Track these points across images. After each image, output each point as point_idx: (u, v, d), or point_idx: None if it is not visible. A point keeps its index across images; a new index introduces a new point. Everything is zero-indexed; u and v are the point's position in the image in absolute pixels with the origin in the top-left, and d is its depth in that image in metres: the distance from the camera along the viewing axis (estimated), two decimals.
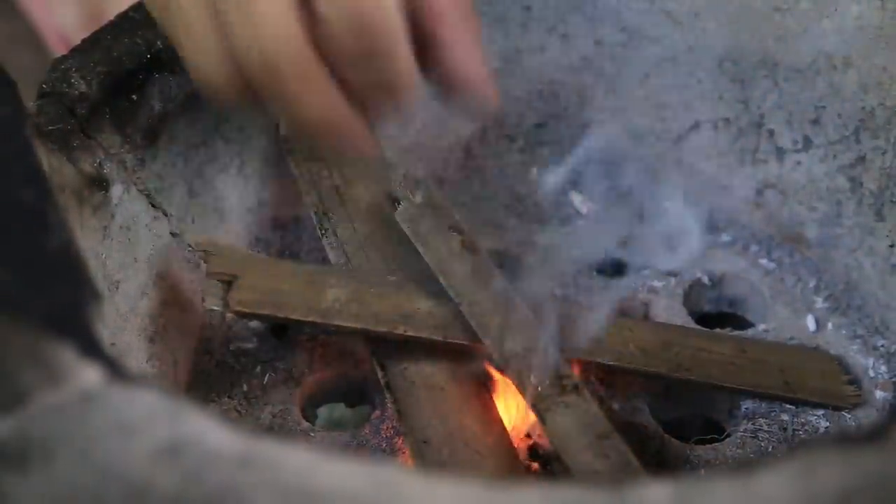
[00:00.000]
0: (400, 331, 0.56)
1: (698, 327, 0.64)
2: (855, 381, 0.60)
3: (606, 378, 0.59)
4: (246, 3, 0.45)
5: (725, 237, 0.70)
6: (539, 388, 0.53)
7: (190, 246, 0.58)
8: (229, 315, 0.59)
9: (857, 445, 0.33)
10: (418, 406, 0.55)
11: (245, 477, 0.32)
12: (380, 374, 0.56)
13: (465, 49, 0.49)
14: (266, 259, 0.59)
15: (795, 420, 0.58)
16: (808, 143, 0.65)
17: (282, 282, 0.56)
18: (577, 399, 0.53)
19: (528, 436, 0.55)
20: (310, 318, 0.55)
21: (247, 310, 0.55)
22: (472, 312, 0.56)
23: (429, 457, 0.52)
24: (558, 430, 0.52)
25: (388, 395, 0.55)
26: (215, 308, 0.55)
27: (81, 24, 1.03)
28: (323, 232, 0.61)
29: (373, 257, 0.60)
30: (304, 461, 0.32)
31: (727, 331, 0.64)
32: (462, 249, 0.57)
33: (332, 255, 0.60)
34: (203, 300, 0.55)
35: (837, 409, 0.59)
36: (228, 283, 0.55)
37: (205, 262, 0.56)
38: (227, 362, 0.60)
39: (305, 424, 0.57)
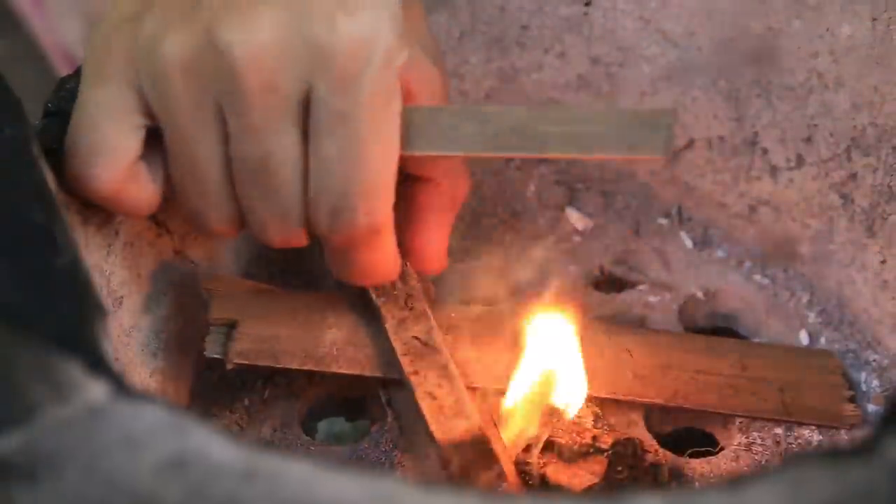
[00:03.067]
0: (394, 375, 0.57)
1: (700, 338, 0.64)
2: (854, 399, 0.60)
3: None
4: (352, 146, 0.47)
5: (720, 253, 0.70)
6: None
7: (206, 290, 0.58)
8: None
9: (845, 459, 0.34)
10: (419, 423, 0.56)
11: (248, 490, 0.33)
12: (381, 391, 0.57)
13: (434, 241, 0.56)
14: (266, 292, 0.59)
15: (789, 434, 0.59)
16: (800, 160, 0.66)
17: (280, 326, 0.57)
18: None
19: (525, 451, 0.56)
20: (307, 367, 0.57)
21: (245, 361, 0.56)
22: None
23: (429, 473, 0.53)
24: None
25: (389, 413, 0.56)
26: (216, 356, 0.56)
27: (84, 41, 1.04)
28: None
29: None
30: (305, 474, 0.33)
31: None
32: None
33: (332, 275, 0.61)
34: (205, 349, 0.56)
35: (834, 427, 0.59)
36: (230, 327, 0.56)
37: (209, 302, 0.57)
38: (228, 377, 0.61)
39: (306, 438, 0.58)
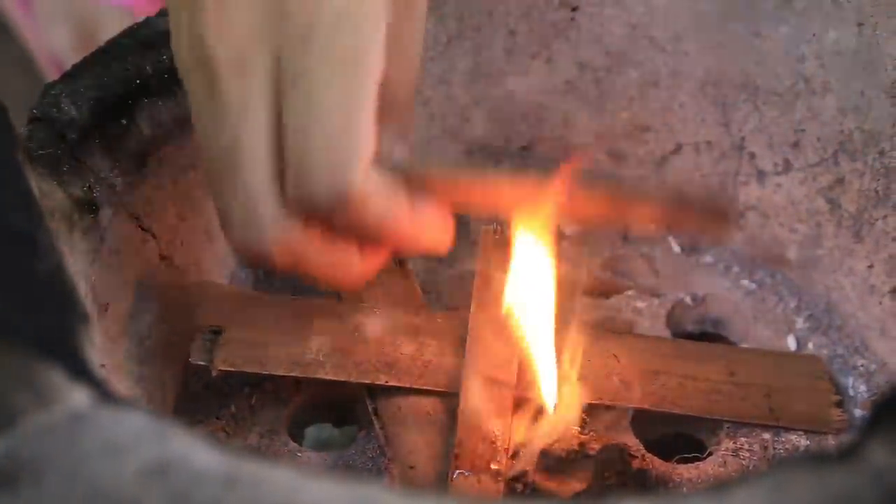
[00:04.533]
0: (381, 381, 0.57)
1: (688, 344, 0.64)
2: (842, 403, 0.60)
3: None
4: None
5: (708, 258, 0.70)
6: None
7: (192, 297, 0.58)
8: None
9: (829, 464, 0.34)
10: (405, 431, 0.55)
11: (230, 496, 0.33)
12: (367, 400, 0.57)
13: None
14: (252, 299, 0.59)
15: (776, 439, 0.59)
16: (788, 165, 0.66)
17: (266, 333, 0.57)
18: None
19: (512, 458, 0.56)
20: (293, 373, 0.57)
21: (231, 368, 0.56)
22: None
23: (415, 482, 0.53)
24: None
25: (375, 422, 0.56)
26: (202, 363, 0.56)
27: (74, 48, 1.04)
28: None
29: None
30: (288, 480, 0.33)
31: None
32: None
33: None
34: (190, 356, 0.56)
35: (821, 433, 0.59)
36: (216, 333, 0.56)
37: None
38: (215, 383, 0.61)
39: (293, 445, 0.58)
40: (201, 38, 0.46)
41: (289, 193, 0.47)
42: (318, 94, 0.45)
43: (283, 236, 0.48)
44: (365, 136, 0.46)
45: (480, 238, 0.60)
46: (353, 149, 0.46)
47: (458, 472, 0.51)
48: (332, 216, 0.47)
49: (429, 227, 0.51)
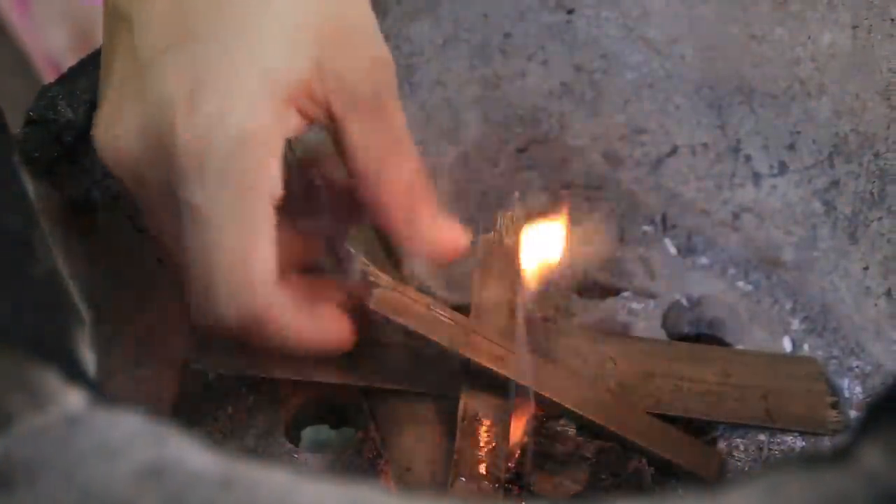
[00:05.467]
0: (378, 383, 0.57)
1: (684, 346, 0.64)
2: (838, 405, 0.61)
3: None
4: None
5: (704, 260, 0.71)
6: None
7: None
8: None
9: (823, 466, 0.34)
10: (402, 433, 0.56)
11: (226, 498, 0.33)
12: (364, 402, 0.57)
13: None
14: None
15: (772, 440, 0.59)
16: (783, 167, 0.66)
17: None
18: None
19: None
20: (290, 376, 0.57)
21: (228, 371, 0.56)
22: None
23: (412, 484, 0.53)
24: None
25: (371, 423, 0.56)
26: (199, 367, 0.56)
27: (70, 49, 1.04)
28: None
29: None
30: (285, 482, 0.33)
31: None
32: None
33: None
34: (188, 358, 0.57)
35: (817, 434, 0.59)
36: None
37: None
38: (212, 385, 0.61)
39: (289, 446, 0.58)
40: (98, 139, 0.47)
41: (196, 318, 0.48)
42: (211, 236, 0.46)
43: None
44: (263, 259, 0.47)
45: (479, 243, 0.59)
46: (254, 274, 0.47)
47: (458, 479, 0.51)
48: (239, 334, 0.48)
49: (328, 331, 0.52)
